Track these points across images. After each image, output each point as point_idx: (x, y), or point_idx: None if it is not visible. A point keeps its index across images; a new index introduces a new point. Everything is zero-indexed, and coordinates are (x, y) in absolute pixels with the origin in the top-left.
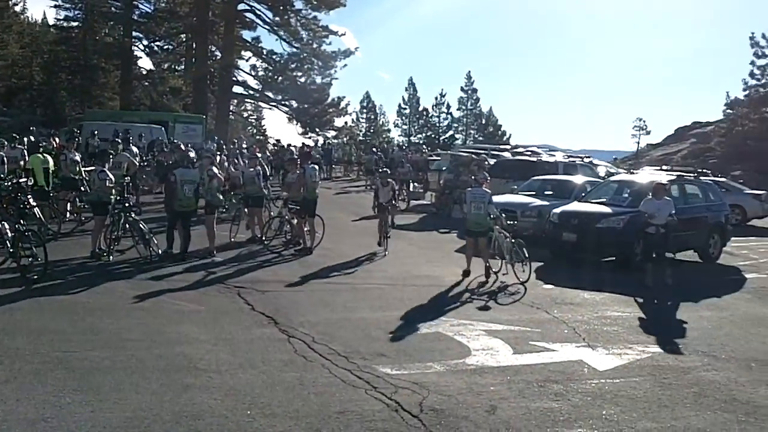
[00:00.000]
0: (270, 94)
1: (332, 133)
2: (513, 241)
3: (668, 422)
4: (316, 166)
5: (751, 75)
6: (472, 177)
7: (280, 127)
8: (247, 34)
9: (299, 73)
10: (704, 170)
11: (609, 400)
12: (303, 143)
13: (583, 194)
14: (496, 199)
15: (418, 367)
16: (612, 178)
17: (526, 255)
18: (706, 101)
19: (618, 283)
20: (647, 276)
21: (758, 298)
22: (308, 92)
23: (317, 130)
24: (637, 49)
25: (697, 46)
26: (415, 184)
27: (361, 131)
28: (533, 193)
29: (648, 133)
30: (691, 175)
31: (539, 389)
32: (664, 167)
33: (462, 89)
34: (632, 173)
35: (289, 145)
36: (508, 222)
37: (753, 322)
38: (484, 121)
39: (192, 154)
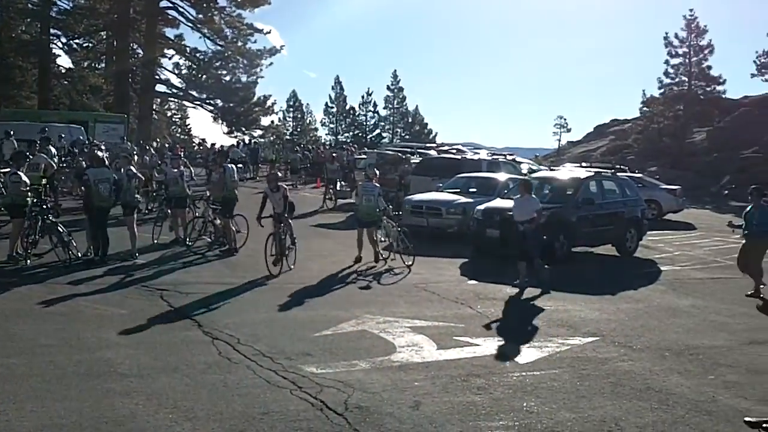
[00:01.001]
0: (194, 93)
1: (258, 132)
2: (399, 229)
3: (586, 412)
4: (233, 166)
5: (666, 74)
6: (374, 172)
7: (206, 127)
8: (169, 32)
9: (224, 72)
10: (622, 166)
11: (530, 392)
12: (238, 142)
13: (506, 191)
14: (421, 196)
15: (343, 366)
16: (534, 175)
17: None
18: (624, 99)
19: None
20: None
21: (672, 289)
22: (233, 91)
23: (243, 129)
24: (558, 48)
25: (614, 46)
26: (342, 183)
27: (288, 130)
28: (458, 190)
29: (569, 130)
30: (609, 171)
31: (462, 383)
32: (584, 163)
33: (388, 88)
34: (553, 170)
35: (213, 144)
36: (394, 213)
37: (667, 313)
38: (410, 120)
39: (101, 153)
